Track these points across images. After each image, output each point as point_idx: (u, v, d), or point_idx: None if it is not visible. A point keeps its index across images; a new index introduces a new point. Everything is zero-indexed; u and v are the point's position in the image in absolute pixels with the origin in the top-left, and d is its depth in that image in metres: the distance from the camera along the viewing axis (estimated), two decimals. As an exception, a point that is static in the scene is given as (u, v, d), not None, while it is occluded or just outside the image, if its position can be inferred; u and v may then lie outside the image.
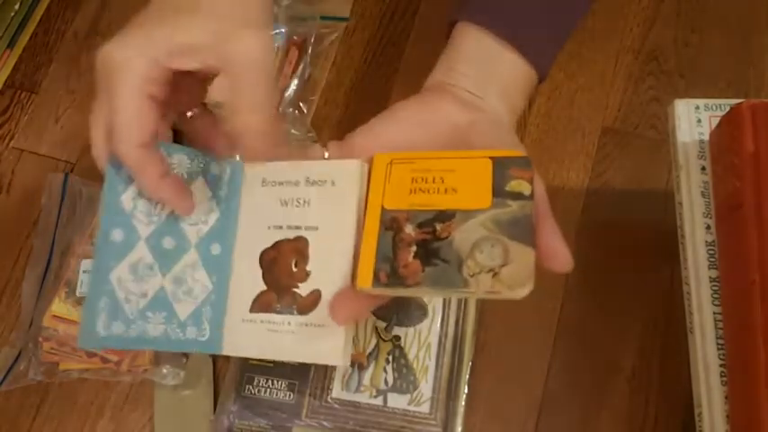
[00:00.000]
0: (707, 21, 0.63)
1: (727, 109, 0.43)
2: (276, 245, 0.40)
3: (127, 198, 0.39)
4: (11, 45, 0.62)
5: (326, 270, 0.39)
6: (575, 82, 0.61)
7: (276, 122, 0.38)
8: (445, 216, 0.38)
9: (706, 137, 0.46)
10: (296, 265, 0.40)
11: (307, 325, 0.38)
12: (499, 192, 0.37)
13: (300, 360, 0.39)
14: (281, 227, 0.40)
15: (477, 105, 0.42)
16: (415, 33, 0.63)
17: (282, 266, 0.40)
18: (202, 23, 0.37)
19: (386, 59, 0.63)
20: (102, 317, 0.37)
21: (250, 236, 0.41)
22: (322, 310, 0.38)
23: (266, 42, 0.38)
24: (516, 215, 0.36)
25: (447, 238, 0.37)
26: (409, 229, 0.38)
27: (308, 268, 0.39)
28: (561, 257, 0.36)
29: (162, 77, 0.37)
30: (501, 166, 0.38)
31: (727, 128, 0.43)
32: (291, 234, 0.40)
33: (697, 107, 0.47)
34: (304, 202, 0.41)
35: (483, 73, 0.43)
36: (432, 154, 0.40)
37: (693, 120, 0.46)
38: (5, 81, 0.62)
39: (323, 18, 0.62)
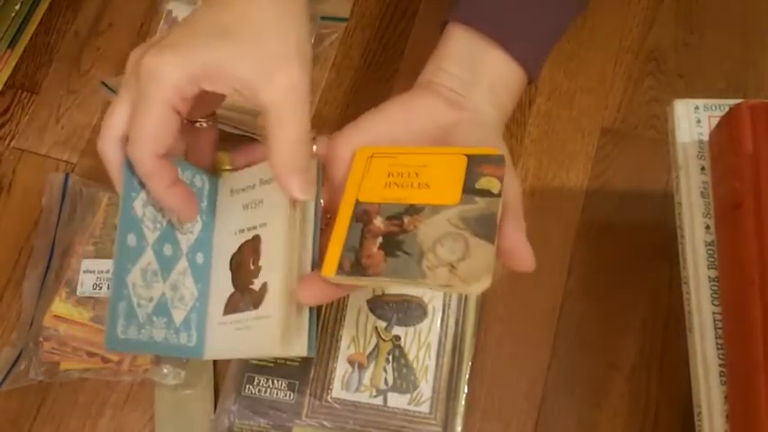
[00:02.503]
0: (706, 21, 0.63)
1: (727, 109, 0.43)
2: (240, 248, 0.42)
3: (138, 204, 0.40)
4: (11, 45, 0.62)
5: (271, 261, 0.40)
6: (574, 82, 0.61)
7: (305, 157, 0.38)
8: (414, 210, 0.38)
9: (705, 137, 0.46)
10: (253, 263, 0.41)
11: (257, 318, 0.40)
12: (469, 188, 0.38)
13: (259, 355, 0.40)
14: (243, 230, 0.42)
15: (461, 105, 0.43)
16: (414, 34, 0.63)
17: (244, 267, 0.41)
18: (244, 55, 0.37)
19: (386, 60, 0.63)
20: (122, 320, 0.38)
21: (222, 243, 0.43)
22: (268, 300, 0.39)
23: (298, 82, 0.37)
24: (482, 212, 0.37)
25: (412, 231, 0.37)
26: (378, 222, 0.39)
27: (260, 263, 0.41)
28: (522, 257, 0.37)
29: (192, 95, 0.37)
30: (474, 164, 0.39)
31: (727, 128, 0.43)
32: (250, 235, 0.42)
33: (696, 107, 0.47)
34: (258, 202, 0.42)
35: (470, 72, 0.44)
36: (411, 149, 0.41)
37: (693, 120, 0.46)
38: (6, 81, 0.62)
39: (323, 18, 0.62)
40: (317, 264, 0.40)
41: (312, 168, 0.41)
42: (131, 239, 0.39)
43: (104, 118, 0.39)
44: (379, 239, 0.38)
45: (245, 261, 0.42)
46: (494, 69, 0.44)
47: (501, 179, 0.37)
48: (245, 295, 0.40)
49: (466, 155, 0.39)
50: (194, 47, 0.37)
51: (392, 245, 0.37)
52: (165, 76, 0.36)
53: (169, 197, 0.39)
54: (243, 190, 0.43)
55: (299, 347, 0.39)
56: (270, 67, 0.37)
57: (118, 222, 0.39)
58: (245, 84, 0.37)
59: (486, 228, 0.36)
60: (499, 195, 0.37)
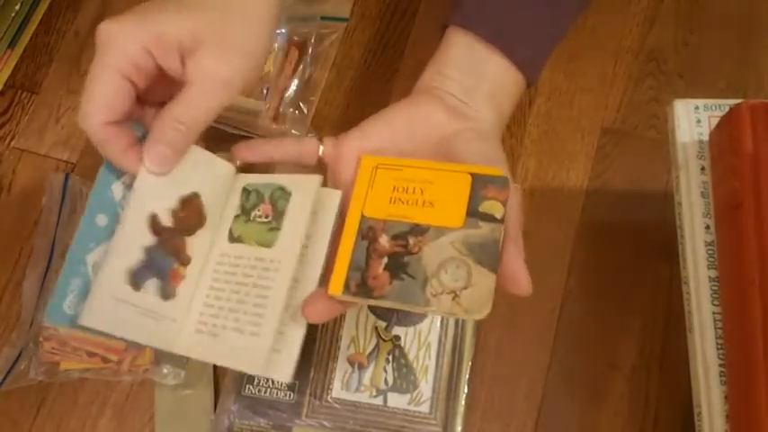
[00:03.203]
0: (706, 21, 0.63)
1: (727, 109, 0.43)
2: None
3: (117, 187, 0.40)
4: (12, 45, 0.62)
5: (273, 291, 0.39)
6: (574, 82, 0.61)
7: (180, 139, 0.38)
8: (419, 231, 0.38)
9: (705, 137, 0.46)
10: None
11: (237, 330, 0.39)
12: (473, 211, 0.38)
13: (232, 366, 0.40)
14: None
15: (463, 112, 0.43)
16: (414, 34, 0.63)
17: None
18: (192, 26, 0.37)
19: (386, 60, 0.63)
20: (72, 296, 0.37)
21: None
22: (263, 320, 0.39)
23: (221, 75, 0.38)
24: (485, 239, 0.37)
25: (417, 253, 0.38)
26: (384, 240, 0.39)
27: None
28: (521, 283, 0.37)
29: (146, 65, 0.37)
30: (479, 185, 0.39)
31: (727, 128, 0.43)
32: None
33: (696, 107, 0.47)
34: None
35: (470, 77, 0.44)
36: (416, 162, 0.41)
37: (693, 120, 0.46)
38: (6, 81, 0.62)
39: (323, 18, 0.62)
40: (324, 280, 0.39)
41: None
42: (101, 219, 0.39)
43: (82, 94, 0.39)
44: (385, 260, 0.38)
45: None
46: (494, 75, 0.44)
47: (504, 203, 0.37)
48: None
49: (470, 173, 0.39)
50: (151, 17, 0.37)
51: (397, 267, 0.37)
52: (118, 43, 0.36)
53: (126, 160, 0.39)
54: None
55: (283, 373, 0.38)
56: (206, 49, 0.37)
57: (88, 200, 0.39)
58: (179, 50, 0.37)
59: (488, 255, 0.36)
60: (502, 221, 0.37)
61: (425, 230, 0.38)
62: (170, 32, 0.37)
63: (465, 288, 0.36)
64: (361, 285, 0.37)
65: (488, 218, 0.37)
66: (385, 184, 0.41)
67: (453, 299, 0.36)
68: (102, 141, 0.38)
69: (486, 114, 0.43)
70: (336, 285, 0.38)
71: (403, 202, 0.40)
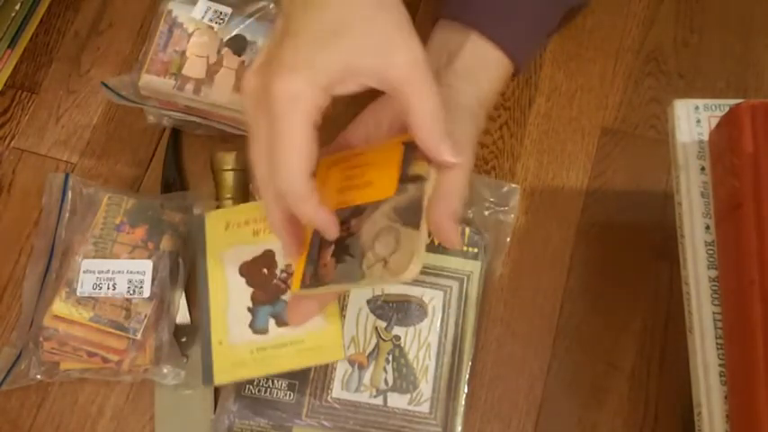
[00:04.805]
0: (706, 21, 0.63)
1: (727, 109, 0.43)
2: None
3: None
4: (11, 45, 0.62)
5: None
6: (574, 82, 0.61)
7: (445, 123, 0.38)
8: (358, 211, 0.39)
9: (705, 137, 0.46)
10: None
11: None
12: (404, 177, 0.38)
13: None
14: None
15: None
16: (415, 34, 0.63)
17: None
18: (363, 49, 0.37)
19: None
20: None
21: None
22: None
23: (419, 56, 0.37)
24: (411, 199, 0.37)
25: (357, 232, 0.38)
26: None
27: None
28: (446, 236, 0.37)
29: (326, 105, 0.37)
30: (409, 151, 0.39)
31: (727, 128, 0.43)
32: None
33: (696, 107, 0.47)
34: None
35: (443, 57, 0.45)
36: (359, 149, 0.41)
37: (693, 120, 0.46)
38: (6, 81, 0.62)
39: (323, 18, 0.62)
40: None
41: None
42: None
43: (252, 161, 0.38)
44: (332, 247, 0.38)
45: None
46: (470, 53, 0.45)
47: (430, 161, 0.37)
48: None
49: (403, 142, 0.39)
50: (316, 59, 0.36)
51: (341, 250, 0.38)
52: (304, 96, 0.36)
53: (319, 216, 0.38)
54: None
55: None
56: (388, 51, 0.37)
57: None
58: (371, 75, 0.37)
59: (412, 214, 0.36)
60: (426, 179, 0.37)
61: (364, 209, 0.39)
62: (342, 65, 0.36)
63: (394, 253, 0.36)
64: (313, 276, 0.38)
65: (415, 179, 0.37)
66: (336, 178, 0.41)
67: (384, 266, 0.36)
68: (307, 196, 0.37)
69: (460, 86, 0.44)
70: (296, 282, 0.38)
71: (350, 189, 0.40)
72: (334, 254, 0.38)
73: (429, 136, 0.37)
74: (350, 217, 0.38)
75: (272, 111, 0.36)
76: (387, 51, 0.37)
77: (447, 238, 0.38)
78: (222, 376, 0.48)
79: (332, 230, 0.39)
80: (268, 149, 0.37)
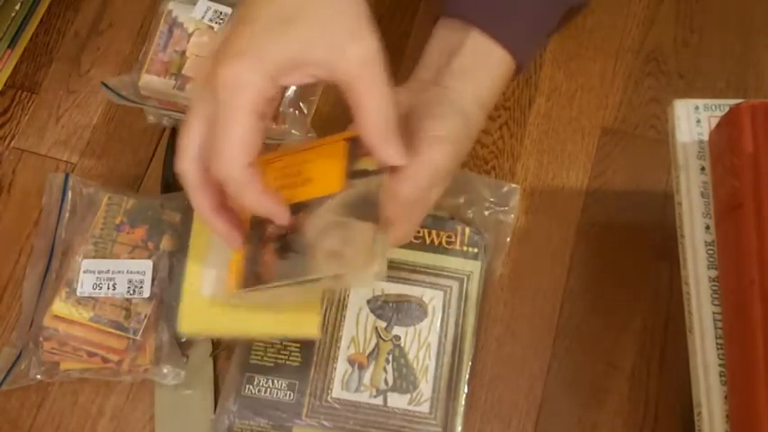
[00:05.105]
0: (706, 21, 0.63)
1: (727, 109, 0.43)
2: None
3: None
4: (11, 45, 0.62)
5: None
6: (574, 82, 0.61)
7: (395, 122, 0.37)
8: (299, 208, 0.38)
9: (705, 137, 0.46)
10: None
11: None
12: (351, 173, 0.38)
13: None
14: None
15: (422, 90, 0.43)
16: (414, 34, 0.63)
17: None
18: (314, 39, 0.36)
19: (386, 60, 0.62)
20: None
21: None
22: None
23: (372, 52, 0.37)
24: (362, 193, 0.37)
25: (301, 229, 0.37)
26: (271, 228, 0.38)
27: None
28: (396, 229, 0.37)
29: (273, 95, 0.37)
30: (355, 146, 0.38)
31: (727, 128, 0.43)
32: None
33: (696, 107, 0.47)
34: None
35: (442, 57, 0.45)
36: (295, 147, 0.41)
37: (693, 120, 0.46)
38: (6, 81, 0.62)
39: (323, 18, 0.62)
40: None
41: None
42: None
43: (180, 137, 0.38)
44: (272, 244, 0.38)
45: None
46: (471, 51, 0.45)
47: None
48: None
49: (345, 139, 0.39)
50: (266, 45, 0.36)
51: (283, 248, 0.37)
52: (250, 84, 0.35)
53: (263, 203, 0.38)
54: None
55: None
56: (341, 43, 0.36)
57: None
58: (321, 67, 0.36)
59: (364, 209, 0.36)
60: (378, 172, 0.36)
61: (307, 206, 0.38)
62: (290, 53, 0.36)
63: (347, 247, 0.35)
64: (254, 275, 0.37)
65: (363, 173, 0.37)
66: (271, 177, 0.41)
67: (338, 260, 0.35)
68: (244, 185, 0.37)
69: (459, 87, 0.44)
70: (233, 284, 0.38)
71: (287, 188, 0.40)
72: (276, 251, 0.37)
73: (373, 134, 0.37)
74: (291, 214, 0.38)
75: (217, 97, 0.36)
76: (339, 44, 0.36)
77: (398, 231, 0.37)
78: (190, 326, 0.46)
79: (281, 215, 0.38)
80: (208, 135, 0.37)
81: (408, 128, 0.40)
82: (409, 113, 0.42)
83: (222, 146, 0.36)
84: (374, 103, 0.36)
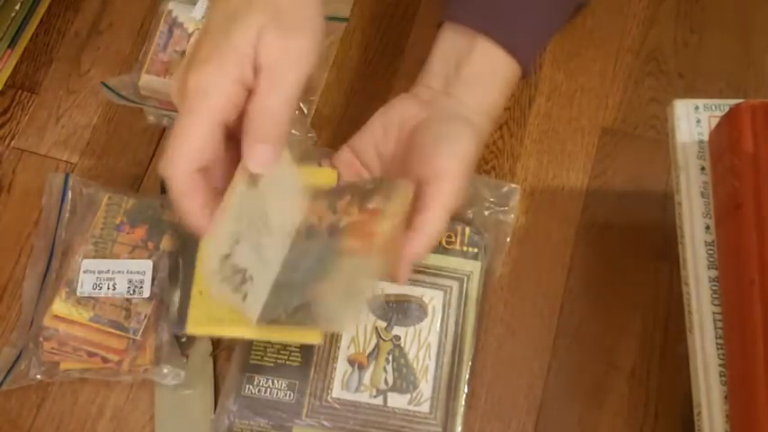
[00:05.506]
0: (706, 21, 0.63)
1: (727, 109, 0.43)
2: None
3: None
4: (12, 45, 0.62)
5: None
6: (574, 82, 0.61)
7: (278, 128, 0.37)
8: None
9: (705, 137, 0.46)
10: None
11: None
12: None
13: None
14: None
15: (435, 101, 0.43)
16: (414, 34, 0.63)
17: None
18: (261, 23, 0.36)
19: (386, 60, 0.63)
20: None
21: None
22: None
23: (293, 48, 0.36)
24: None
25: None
26: None
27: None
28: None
29: (243, 98, 0.36)
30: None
31: (727, 128, 0.43)
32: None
33: (696, 107, 0.47)
34: None
35: (451, 65, 0.44)
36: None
37: (693, 120, 0.46)
38: (6, 81, 0.62)
39: (323, 18, 0.62)
40: None
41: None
42: None
43: (170, 142, 0.37)
44: None
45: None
46: (479, 59, 0.44)
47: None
48: None
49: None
50: (222, 47, 0.36)
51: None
52: (215, 89, 0.35)
53: (201, 218, 0.37)
54: None
55: None
56: (272, 34, 0.36)
57: None
58: (253, 51, 0.36)
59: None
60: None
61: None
62: (241, 52, 0.36)
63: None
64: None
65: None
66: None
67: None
68: (186, 191, 0.36)
69: (466, 99, 0.44)
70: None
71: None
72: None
73: (251, 133, 0.36)
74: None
75: (184, 105, 0.36)
76: (268, 36, 0.36)
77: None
78: (196, 327, 0.46)
79: (200, 233, 0.37)
80: (171, 137, 0.37)
81: (419, 151, 0.41)
82: (420, 129, 0.42)
83: (173, 146, 0.36)
84: (265, 103, 0.36)
